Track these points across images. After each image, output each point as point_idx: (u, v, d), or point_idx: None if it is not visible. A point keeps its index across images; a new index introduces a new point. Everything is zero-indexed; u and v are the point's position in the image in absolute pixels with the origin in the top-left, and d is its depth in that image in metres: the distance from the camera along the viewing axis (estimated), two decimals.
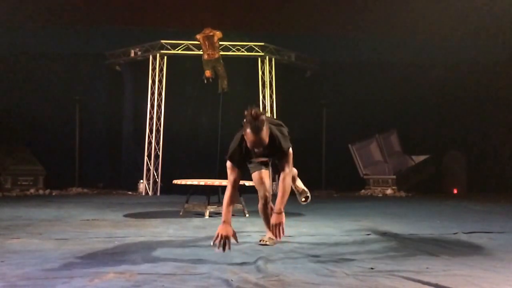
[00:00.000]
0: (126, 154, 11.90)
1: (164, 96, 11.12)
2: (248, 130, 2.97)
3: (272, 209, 3.47)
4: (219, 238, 2.87)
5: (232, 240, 2.92)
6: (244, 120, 3.01)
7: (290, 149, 3.30)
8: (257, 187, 3.54)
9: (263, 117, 3.01)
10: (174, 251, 3.21)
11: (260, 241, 3.53)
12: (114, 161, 12.02)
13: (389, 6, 10.83)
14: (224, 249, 2.87)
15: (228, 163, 3.25)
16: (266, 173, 3.52)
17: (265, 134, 3.01)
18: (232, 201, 3.15)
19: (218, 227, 2.96)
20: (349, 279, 2.40)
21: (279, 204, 3.13)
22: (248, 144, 3.05)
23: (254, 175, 3.53)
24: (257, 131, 2.95)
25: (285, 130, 3.38)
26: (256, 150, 3.05)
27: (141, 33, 11.82)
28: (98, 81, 12.14)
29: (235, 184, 3.19)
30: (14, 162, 10.57)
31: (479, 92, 12.24)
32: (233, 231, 2.95)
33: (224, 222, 2.97)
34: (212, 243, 2.91)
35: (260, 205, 3.56)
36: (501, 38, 11.68)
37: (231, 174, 3.22)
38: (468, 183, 11.94)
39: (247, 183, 5.68)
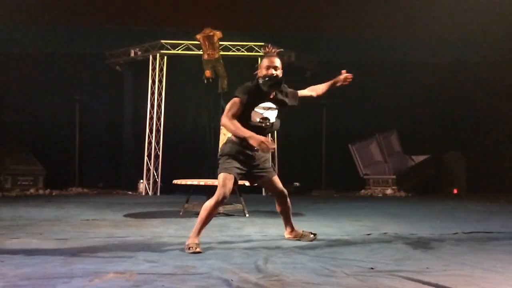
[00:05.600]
0: (126, 154, 11.90)
1: (164, 96, 11.12)
2: (265, 58, 3.47)
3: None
4: (264, 144, 3.17)
5: None
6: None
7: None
8: (219, 187, 3.35)
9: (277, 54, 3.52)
10: (174, 251, 3.21)
11: (189, 248, 3.20)
12: (114, 161, 12.02)
13: (389, 6, 10.82)
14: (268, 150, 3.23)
15: (235, 99, 3.36)
16: (232, 178, 3.38)
17: (278, 61, 3.46)
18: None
19: (253, 139, 3.22)
20: (349, 279, 2.40)
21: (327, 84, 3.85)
22: (264, 71, 3.41)
23: (222, 175, 3.39)
24: (272, 55, 3.47)
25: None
26: (273, 72, 3.39)
27: (141, 33, 11.83)
28: (98, 81, 12.13)
29: (235, 117, 3.34)
30: (14, 162, 10.57)
31: (479, 92, 12.23)
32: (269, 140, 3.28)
33: (251, 135, 3.24)
34: (259, 147, 3.22)
35: (211, 203, 3.31)
36: (502, 37, 11.66)
37: (232, 108, 3.34)
38: (468, 183, 11.93)
39: (248, 183, 5.69)
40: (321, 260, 2.89)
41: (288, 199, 3.76)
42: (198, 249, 3.17)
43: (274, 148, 3.23)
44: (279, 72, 3.45)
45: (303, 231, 3.85)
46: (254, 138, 3.22)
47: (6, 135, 11.01)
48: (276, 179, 3.69)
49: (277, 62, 3.45)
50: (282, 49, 3.62)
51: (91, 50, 11.94)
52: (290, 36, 12.37)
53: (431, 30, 11.72)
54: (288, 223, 3.85)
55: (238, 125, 3.31)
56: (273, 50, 3.53)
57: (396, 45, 12.27)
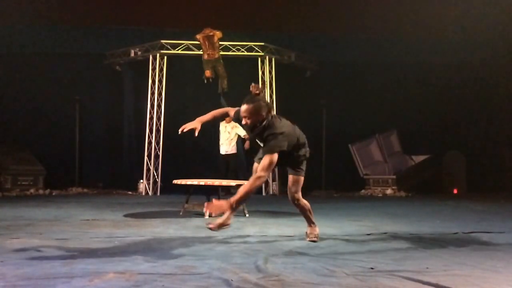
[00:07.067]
0: (126, 154, 11.90)
1: (164, 96, 11.12)
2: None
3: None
4: (187, 124, 3.47)
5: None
6: None
7: (270, 155, 3.26)
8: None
9: (257, 99, 3.34)
10: (174, 251, 3.22)
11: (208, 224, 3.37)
12: (114, 161, 12.01)
13: (390, 6, 10.82)
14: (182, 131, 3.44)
15: None
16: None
17: (246, 109, 3.31)
18: (217, 113, 3.76)
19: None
20: (349, 279, 2.40)
21: (236, 196, 3.17)
22: None
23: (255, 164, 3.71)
24: (243, 102, 3.34)
25: (282, 138, 3.32)
26: (243, 122, 3.39)
27: (141, 33, 11.83)
28: (98, 81, 12.13)
29: (226, 111, 3.78)
30: (14, 162, 10.57)
31: (479, 92, 12.24)
32: (199, 128, 3.50)
33: (197, 119, 3.56)
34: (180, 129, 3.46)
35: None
36: (502, 38, 11.67)
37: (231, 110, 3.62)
38: (468, 183, 11.93)
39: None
40: (321, 260, 2.89)
41: (303, 203, 3.76)
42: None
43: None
44: (253, 119, 3.33)
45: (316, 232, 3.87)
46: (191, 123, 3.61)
47: (6, 135, 11.01)
48: (294, 180, 3.68)
49: (247, 110, 3.31)
50: (256, 85, 3.52)
51: (91, 50, 11.94)
52: (290, 36, 12.37)
53: (431, 30, 11.73)
54: (306, 221, 3.91)
55: (213, 112, 3.79)
56: (252, 91, 3.43)
57: (396, 45, 12.27)
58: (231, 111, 3.67)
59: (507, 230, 4.49)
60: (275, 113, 3.58)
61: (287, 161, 3.62)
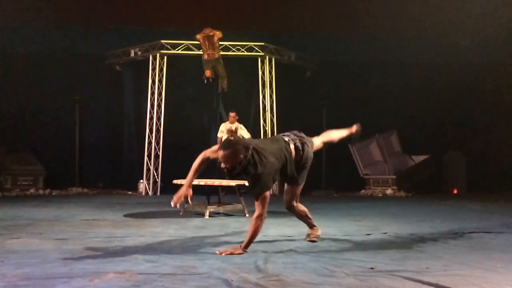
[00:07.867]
0: (126, 154, 11.89)
1: (164, 96, 11.12)
2: None
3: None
4: (178, 196, 3.35)
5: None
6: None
7: (262, 195, 3.29)
8: None
9: (232, 143, 3.27)
10: (174, 251, 3.22)
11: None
12: (114, 161, 12.01)
13: (389, 6, 10.82)
14: (177, 205, 3.35)
15: None
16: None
17: (223, 156, 3.25)
18: (198, 165, 3.53)
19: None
20: (349, 279, 2.40)
21: (245, 241, 3.28)
22: None
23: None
24: (220, 147, 3.33)
25: (266, 177, 3.29)
26: (222, 166, 3.34)
27: (141, 33, 11.81)
28: (98, 81, 12.11)
29: (207, 156, 3.54)
30: (14, 162, 10.56)
31: (479, 92, 12.23)
32: (191, 193, 3.40)
33: (184, 185, 3.42)
34: (172, 203, 3.35)
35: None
36: (502, 38, 11.67)
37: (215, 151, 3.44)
38: (468, 183, 11.92)
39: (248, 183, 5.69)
40: (321, 260, 2.89)
41: (298, 210, 3.80)
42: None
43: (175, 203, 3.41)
44: (230, 163, 3.26)
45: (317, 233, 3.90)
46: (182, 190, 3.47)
47: (6, 135, 11.00)
48: (290, 190, 3.71)
49: (224, 156, 3.25)
50: (231, 130, 3.52)
51: (91, 50, 11.93)
52: (290, 36, 12.37)
53: (431, 30, 11.72)
54: (307, 225, 3.96)
55: (193, 169, 3.56)
56: (228, 135, 3.42)
57: (396, 45, 12.26)
58: (211, 154, 3.53)
59: (507, 230, 4.49)
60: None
61: (287, 175, 3.59)
